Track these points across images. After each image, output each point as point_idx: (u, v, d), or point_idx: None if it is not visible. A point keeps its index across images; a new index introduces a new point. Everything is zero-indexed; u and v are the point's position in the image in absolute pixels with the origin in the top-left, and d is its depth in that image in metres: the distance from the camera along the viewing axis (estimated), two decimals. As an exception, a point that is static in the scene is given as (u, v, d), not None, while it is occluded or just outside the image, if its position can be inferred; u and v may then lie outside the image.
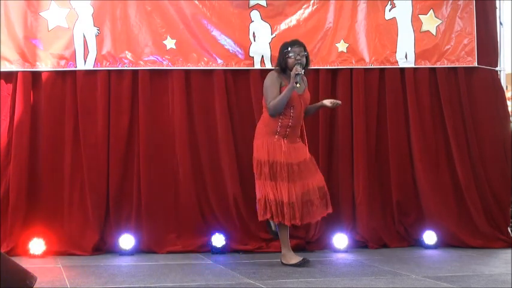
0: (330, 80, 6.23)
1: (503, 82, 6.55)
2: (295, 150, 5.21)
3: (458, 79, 6.39)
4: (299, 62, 5.12)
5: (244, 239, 5.92)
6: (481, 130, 6.39)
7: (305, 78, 5.35)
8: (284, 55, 5.21)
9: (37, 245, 5.55)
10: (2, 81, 5.81)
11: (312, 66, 5.67)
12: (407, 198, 6.27)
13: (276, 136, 5.17)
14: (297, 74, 5.02)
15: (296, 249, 5.63)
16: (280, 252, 5.48)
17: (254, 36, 6.13)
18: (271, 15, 6.16)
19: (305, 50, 5.25)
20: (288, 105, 5.14)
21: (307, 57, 5.24)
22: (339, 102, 5.40)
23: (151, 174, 5.91)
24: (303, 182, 5.18)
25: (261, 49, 6.11)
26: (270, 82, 5.19)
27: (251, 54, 6.11)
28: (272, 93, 5.14)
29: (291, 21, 6.19)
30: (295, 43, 5.24)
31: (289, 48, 5.19)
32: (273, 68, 5.86)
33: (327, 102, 5.38)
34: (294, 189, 5.12)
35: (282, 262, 5.25)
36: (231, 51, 6.09)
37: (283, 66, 5.22)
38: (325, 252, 5.78)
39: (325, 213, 5.35)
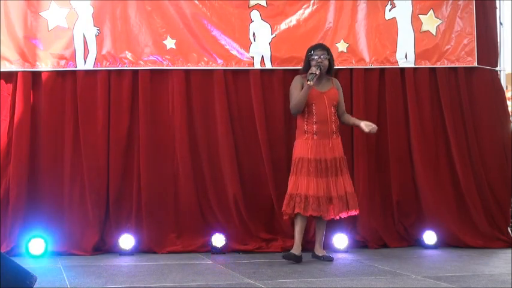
0: (330, 80, 6.23)
1: (503, 82, 6.55)
2: (326, 146, 5.39)
3: (458, 79, 6.39)
4: (319, 64, 5.36)
5: (244, 239, 5.92)
6: (481, 130, 6.39)
7: (334, 79, 5.63)
8: (308, 58, 5.48)
9: (37, 245, 5.55)
10: (2, 81, 5.81)
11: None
12: (407, 198, 6.26)
13: (306, 135, 5.41)
14: (310, 73, 5.28)
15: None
16: (280, 252, 5.60)
17: (254, 36, 6.12)
18: (271, 15, 6.16)
19: (328, 53, 5.50)
20: (308, 103, 5.39)
21: (330, 60, 5.49)
22: (375, 127, 5.49)
23: (151, 174, 5.90)
24: (328, 179, 5.34)
25: (261, 49, 6.11)
26: (292, 85, 5.52)
27: (251, 54, 6.11)
28: (293, 95, 5.46)
29: (291, 21, 6.19)
30: (318, 47, 5.54)
31: (312, 52, 5.47)
32: (272, 68, 6.10)
33: (363, 125, 5.49)
34: (316, 183, 5.29)
35: None
36: (231, 51, 6.09)
37: (306, 69, 5.45)
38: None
39: (343, 214, 5.43)
